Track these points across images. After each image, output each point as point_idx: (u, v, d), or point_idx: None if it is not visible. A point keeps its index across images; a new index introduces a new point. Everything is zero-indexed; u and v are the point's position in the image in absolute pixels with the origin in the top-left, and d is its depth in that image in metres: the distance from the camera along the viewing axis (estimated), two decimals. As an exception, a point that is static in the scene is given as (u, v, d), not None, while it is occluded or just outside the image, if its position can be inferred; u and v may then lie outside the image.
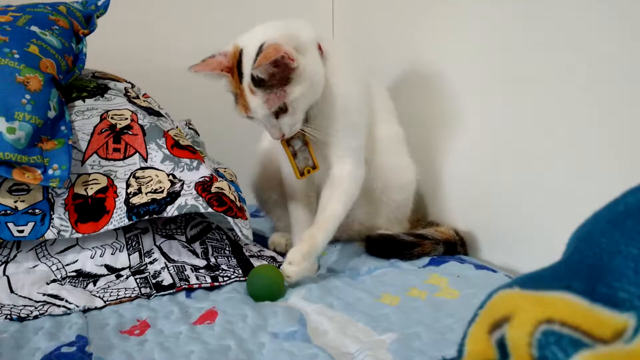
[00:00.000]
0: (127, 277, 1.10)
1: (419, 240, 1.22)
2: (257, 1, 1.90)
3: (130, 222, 1.11)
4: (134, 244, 1.16)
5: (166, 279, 1.08)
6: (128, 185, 1.16)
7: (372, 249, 1.24)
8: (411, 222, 1.37)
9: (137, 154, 1.20)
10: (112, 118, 1.23)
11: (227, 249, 1.20)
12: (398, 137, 1.33)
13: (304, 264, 1.07)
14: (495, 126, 1.24)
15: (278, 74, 1.00)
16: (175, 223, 1.22)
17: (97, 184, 1.15)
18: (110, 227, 1.11)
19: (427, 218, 1.43)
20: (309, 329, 0.89)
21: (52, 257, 1.11)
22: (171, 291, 1.06)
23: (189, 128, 1.60)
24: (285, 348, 0.81)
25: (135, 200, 1.13)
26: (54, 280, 1.08)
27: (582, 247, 0.48)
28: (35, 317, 0.96)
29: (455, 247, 1.24)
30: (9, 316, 0.95)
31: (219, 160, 1.43)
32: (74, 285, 1.07)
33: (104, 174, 1.17)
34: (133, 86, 1.39)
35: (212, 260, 1.16)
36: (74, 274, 1.10)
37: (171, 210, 1.11)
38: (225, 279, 1.10)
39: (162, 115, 1.35)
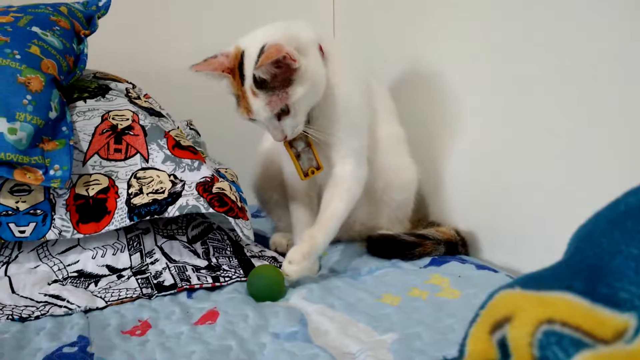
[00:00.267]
0: (128, 278, 1.10)
1: (420, 240, 1.22)
2: (258, 2, 1.90)
3: (132, 222, 1.11)
4: (135, 244, 1.16)
5: (167, 279, 1.09)
6: (129, 186, 1.16)
7: (373, 249, 1.24)
8: (412, 222, 1.37)
9: (139, 154, 1.20)
10: (113, 119, 1.23)
11: (228, 249, 1.20)
12: (399, 137, 1.33)
13: (304, 264, 1.07)
14: (496, 126, 1.24)
15: (280, 75, 1.00)
16: (177, 223, 1.22)
17: (98, 184, 1.16)
18: (111, 227, 1.11)
19: (428, 218, 1.43)
20: (310, 329, 0.89)
21: (53, 257, 1.11)
22: (172, 291, 1.06)
23: (190, 128, 1.60)
24: (286, 348, 0.82)
25: (137, 200, 1.13)
26: (55, 281, 1.08)
27: (583, 247, 0.48)
28: (37, 317, 0.96)
29: (457, 247, 1.24)
30: (10, 317, 0.95)
31: (220, 161, 1.44)
32: (76, 286, 1.07)
33: (105, 175, 1.17)
34: (134, 87, 1.40)
35: (213, 260, 1.16)
36: (75, 274, 1.10)
37: (172, 211, 1.11)
38: (227, 279, 1.10)
39: (163, 116, 1.35)
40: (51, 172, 1.08)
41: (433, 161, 1.42)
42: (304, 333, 0.87)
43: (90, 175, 1.17)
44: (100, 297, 1.03)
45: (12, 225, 1.07)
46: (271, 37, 1.02)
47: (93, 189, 1.15)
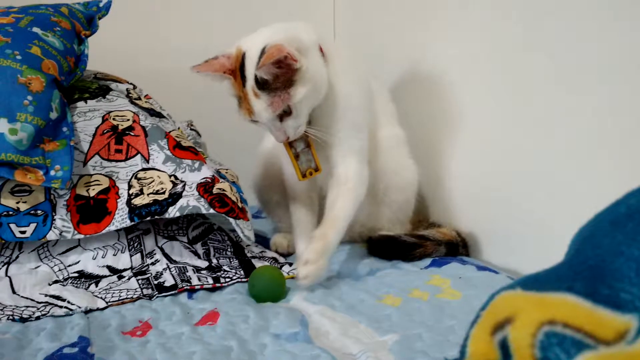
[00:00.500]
0: (129, 278, 1.10)
1: (420, 241, 1.22)
2: (259, 2, 1.90)
3: (132, 223, 1.11)
4: (135, 245, 1.16)
5: (168, 280, 1.09)
6: (130, 186, 1.16)
7: (374, 250, 1.24)
8: (413, 223, 1.37)
9: (139, 155, 1.20)
10: (114, 119, 1.23)
11: (229, 250, 1.20)
12: (399, 138, 1.33)
13: (320, 262, 1.05)
14: (497, 127, 1.24)
15: (281, 75, 1.00)
16: (177, 224, 1.22)
17: (99, 185, 1.16)
18: (112, 228, 1.11)
19: (428, 219, 1.43)
20: (311, 330, 0.89)
21: (54, 258, 1.11)
22: (173, 292, 1.06)
23: (191, 129, 1.61)
24: (287, 349, 0.82)
25: (137, 201, 1.13)
26: (56, 281, 1.08)
27: (584, 248, 0.48)
28: (38, 318, 0.96)
29: (457, 248, 1.24)
30: (11, 317, 0.95)
31: (220, 161, 1.44)
32: (76, 286, 1.07)
33: (105, 175, 1.17)
34: (135, 87, 1.40)
35: (214, 261, 1.16)
36: (75, 274, 1.10)
37: (173, 212, 1.11)
38: (227, 280, 1.10)
39: (163, 117, 1.35)
40: (52, 173, 1.08)
41: (433, 162, 1.42)
42: (304, 334, 0.87)
43: (91, 175, 1.17)
44: (101, 298, 1.03)
45: (12, 226, 1.07)
46: (272, 38, 1.02)
47: (94, 189, 1.15)
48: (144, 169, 1.19)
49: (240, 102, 1.06)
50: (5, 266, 1.08)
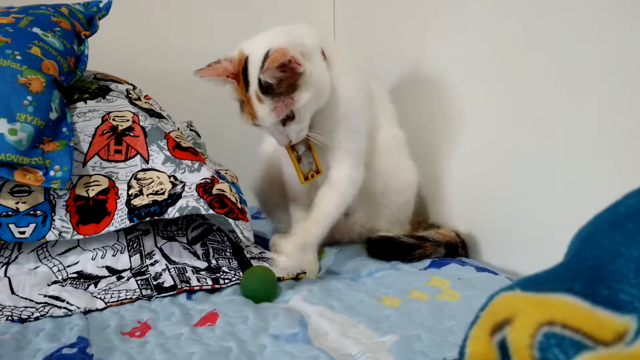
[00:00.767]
0: (128, 279, 1.10)
1: (420, 242, 1.22)
2: (259, 2, 1.90)
3: (132, 223, 1.11)
4: (135, 245, 1.16)
5: (167, 280, 1.08)
6: (129, 187, 1.16)
7: (373, 251, 1.24)
8: (412, 224, 1.37)
9: (139, 155, 1.20)
10: (113, 120, 1.23)
11: (228, 250, 1.20)
12: (398, 139, 1.33)
13: (299, 255, 1.06)
14: (496, 128, 1.24)
15: (285, 79, 1.00)
16: (177, 225, 1.22)
17: (98, 185, 1.16)
18: (111, 228, 1.11)
19: (428, 220, 1.43)
20: (310, 330, 0.89)
21: (53, 258, 1.11)
22: (172, 293, 1.06)
23: (190, 130, 1.61)
24: (286, 350, 0.81)
25: (137, 201, 1.13)
26: (55, 282, 1.08)
27: (584, 249, 0.48)
28: (37, 318, 0.96)
29: (456, 249, 1.24)
30: (10, 317, 0.95)
31: (220, 162, 1.44)
32: (75, 287, 1.07)
33: (105, 176, 1.17)
34: (134, 88, 1.40)
35: (213, 262, 1.16)
36: (75, 275, 1.10)
37: (172, 212, 1.11)
38: (227, 281, 1.10)
39: (163, 117, 1.35)
40: (51, 173, 1.08)
41: (433, 163, 1.42)
42: (303, 335, 0.87)
43: (91, 176, 1.17)
44: (100, 298, 1.03)
45: (12, 226, 1.07)
46: (275, 41, 1.02)
47: (93, 190, 1.15)
48: (143, 170, 1.19)
49: (243, 107, 1.06)
50: (5, 266, 1.08)
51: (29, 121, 1.08)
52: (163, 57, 1.81)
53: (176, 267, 1.12)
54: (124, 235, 1.16)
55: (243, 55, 1.04)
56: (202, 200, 1.12)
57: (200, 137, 1.62)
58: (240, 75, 1.04)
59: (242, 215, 1.15)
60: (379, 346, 0.82)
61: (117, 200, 1.14)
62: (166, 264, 1.13)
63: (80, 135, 1.20)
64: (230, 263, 1.16)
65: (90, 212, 1.12)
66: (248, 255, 1.20)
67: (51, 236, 1.08)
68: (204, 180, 1.17)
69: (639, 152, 0.91)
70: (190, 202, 1.11)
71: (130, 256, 1.14)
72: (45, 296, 1.03)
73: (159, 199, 1.13)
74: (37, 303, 1.01)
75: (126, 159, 1.19)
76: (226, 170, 1.34)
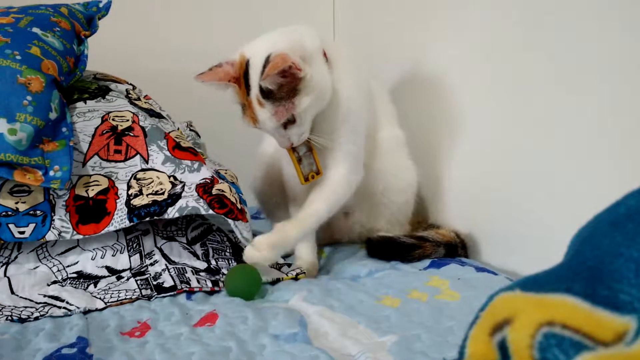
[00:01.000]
0: (127, 279, 1.10)
1: (419, 242, 1.22)
2: (259, 2, 1.90)
3: (131, 223, 1.11)
4: (134, 245, 1.16)
5: (167, 280, 1.08)
6: (129, 187, 1.16)
7: (373, 251, 1.24)
8: (412, 225, 1.37)
9: (138, 155, 1.20)
10: (113, 119, 1.23)
11: (228, 250, 1.20)
12: (398, 139, 1.33)
13: (266, 253, 1.06)
14: (496, 128, 1.24)
15: (286, 85, 1.00)
16: (176, 225, 1.22)
17: (98, 185, 1.15)
18: (111, 228, 1.11)
19: (427, 220, 1.43)
20: (310, 330, 0.89)
21: (52, 258, 1.11)
22: (172, 293, 1.06)
23: (190, 130, 1.61)
24: (286, 350, 0.81)
25: (136, 201, 1.13)
26: (54, 282, 1.08)
27: (584, 249, 0.48)
28: (36, 318, 0.96)
29: (456, 249, 1.24)
30: (9, 317, 0.95)
31: (220, 162, 1.44)
32: (75, 287, 1.07)
33: (105, 176, 1.17)
34: (134, 88, 1.40)
35: (213, 262, 1.16)
36: (74, 275, 1.10)
37: (172, 212, 1.11)
38: (226, 281, 1.10)
39: (163, 117, 1.35)
40: (51, 173, 1.08)
41: (433, 163, 1.42)
42: (303, 335, 0.86)
43: (90, 176, 1.17)
44: (100, 298, 1.03)
45: (11, 226, 1.06)
46: (276, 45, 1.02)
47: (93, 189, 1.15)
48: (143, 170, 1.19)
49: (245, 110, 1.06)
50: (4, 266, 1.08)
51: (28, 121, 1.08)
52: (163, 57, 1.81)
53: (176, 268, 1.12)
54: (123, 235, 1.16)
55: (244, 59, 1.04)
56: (201, 200, 1.12)
57: (200, 137, 1.62)
58: (242, 79, 1.04)
59: (242, 216, 1.15)
60: (378, 346, 0.82)
61: (117, 200, 1.14)
62: (166, 264, 1.13)
63: (80, 135, 1.20)
64: (229, 263, 1.16)
65: (90, 212, 1.12)
66: (248, 255, 1.20)
67: (51, 236, 1.08)
68: (203, 180, 1.17)
69: (639, 152, 0.90)
70: (190, 202, 1.11)
71: (129, 256, 1.14)
72: (44, 296, 1.03)
73: (159, 199, 1.13)
74: (36, 303, 1.01)
75: (126, 159, 1.19)
76: (226, 170, 1.34)
